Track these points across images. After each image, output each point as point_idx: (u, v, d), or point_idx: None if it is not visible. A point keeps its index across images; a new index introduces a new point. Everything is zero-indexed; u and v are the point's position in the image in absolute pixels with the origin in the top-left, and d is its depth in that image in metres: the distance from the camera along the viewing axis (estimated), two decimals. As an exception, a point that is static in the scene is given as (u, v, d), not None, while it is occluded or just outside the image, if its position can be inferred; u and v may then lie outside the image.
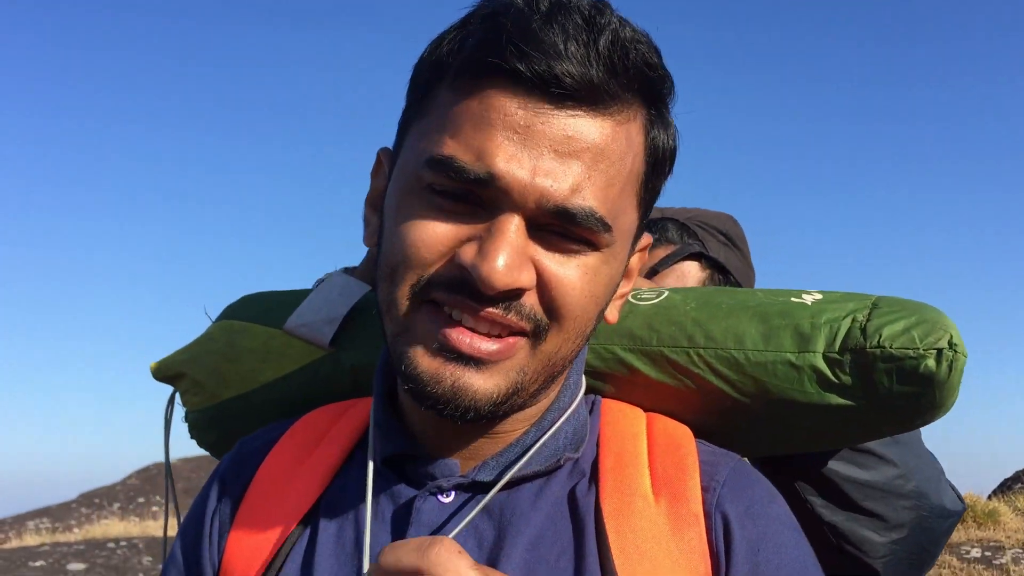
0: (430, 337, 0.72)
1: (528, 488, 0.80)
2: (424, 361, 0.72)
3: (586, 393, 0.89)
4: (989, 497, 9.96)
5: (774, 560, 0.76)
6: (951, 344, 0.83)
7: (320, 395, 0.99)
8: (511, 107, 0.69)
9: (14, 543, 13.06)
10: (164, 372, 1.08)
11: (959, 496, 1.15)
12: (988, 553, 7.62)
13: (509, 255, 0.68)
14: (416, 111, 0.77)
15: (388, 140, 0.83)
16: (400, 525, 0.79)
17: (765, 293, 0.94)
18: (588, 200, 0.70)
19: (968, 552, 7.65)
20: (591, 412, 0.87)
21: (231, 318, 1.08)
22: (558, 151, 0.69)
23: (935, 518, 1.08)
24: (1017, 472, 10.79)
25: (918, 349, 0.83)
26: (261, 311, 1.07)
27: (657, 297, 0.94)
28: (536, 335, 0.73)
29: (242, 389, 1.03)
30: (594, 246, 0.72)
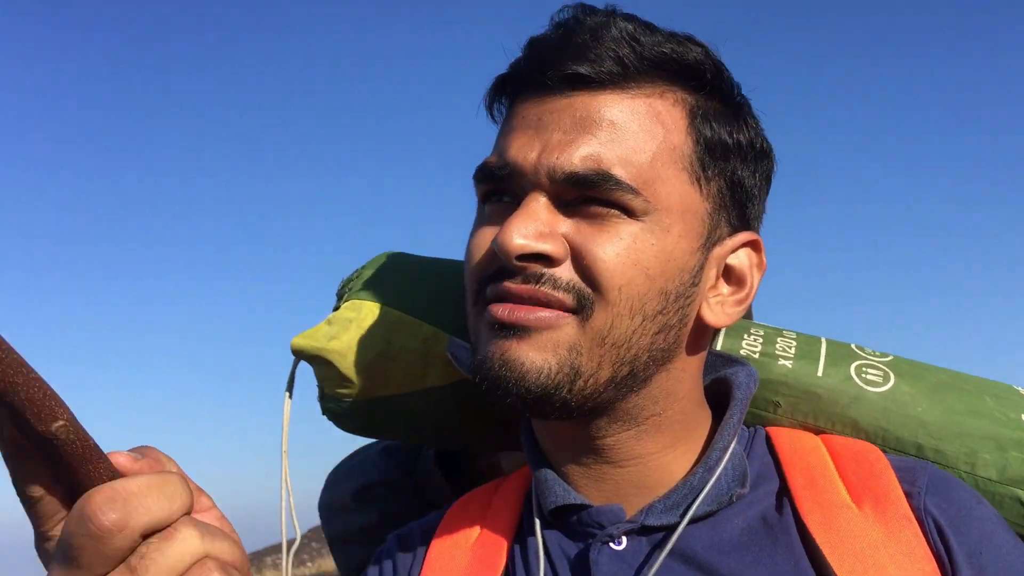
0: (484, 329, 0.73)
1: (703, 527, 0.75)
2: (481, 351, 0.73)
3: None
4: None
5: (996, 565, 0.72)
6: None
7: (472, 414, 0.95)
8: (526, 108, 0.75)
9: (254, 578, 14.04)
10: (307, 354, 0.95)
11: None
12: None
13: (523, 222, 0.70)
14: None
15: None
16: None
17: (993, 397, 0.89)
18: (602, 164, 0.70)
19: None
20: (752, 441, 0.83)
21: (375, 297, 0.97)
22: (567, 131, 0.72)
23: None
24: None
25: None
26: (410, 297, 0.97)
27: (884, 383, 0.88)
28: (581, 309, 0.71)
29: (399, 390, 0.96)
30: (629, 212, 0.71)
